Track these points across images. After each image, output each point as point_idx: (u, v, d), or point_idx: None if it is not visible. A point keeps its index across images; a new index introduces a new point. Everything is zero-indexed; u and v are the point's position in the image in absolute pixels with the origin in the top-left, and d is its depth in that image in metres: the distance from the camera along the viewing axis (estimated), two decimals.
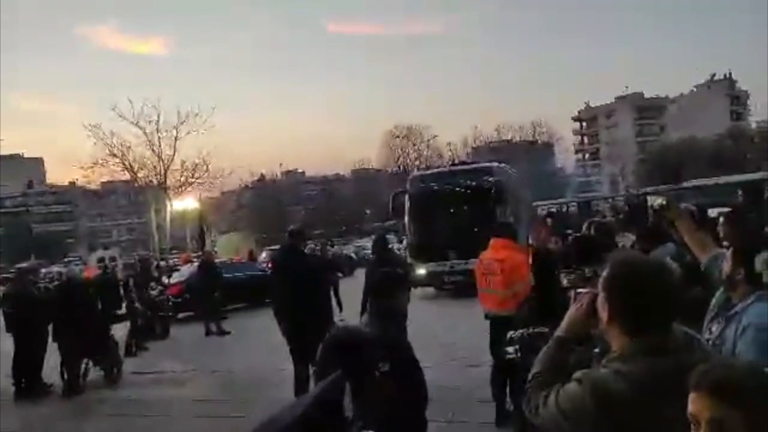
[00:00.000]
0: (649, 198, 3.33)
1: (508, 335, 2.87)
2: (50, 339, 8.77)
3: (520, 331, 2.76)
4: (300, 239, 6.72)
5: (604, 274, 1.77)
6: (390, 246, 9.16)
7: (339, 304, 10.94)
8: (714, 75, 76.68)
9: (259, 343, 11.02)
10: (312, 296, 6.12)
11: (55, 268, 36.74)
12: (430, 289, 15.04)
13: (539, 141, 63.84)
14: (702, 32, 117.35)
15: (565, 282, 2.38)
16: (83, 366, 8.65)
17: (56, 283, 11.08)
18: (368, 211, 58.99)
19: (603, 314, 1.74)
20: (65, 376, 8.52)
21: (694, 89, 77.28)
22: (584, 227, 4.64)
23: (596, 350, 2.15)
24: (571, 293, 2.05)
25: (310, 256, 7.34)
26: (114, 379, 8.88)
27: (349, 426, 0.98)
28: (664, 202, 3.17)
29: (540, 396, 1.77)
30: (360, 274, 24.61)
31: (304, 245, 6.88)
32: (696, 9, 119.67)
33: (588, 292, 1.92)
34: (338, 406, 0.99)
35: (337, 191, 69.04)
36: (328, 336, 1.88)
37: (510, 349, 2.76)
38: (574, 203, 32.16)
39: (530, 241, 9.29)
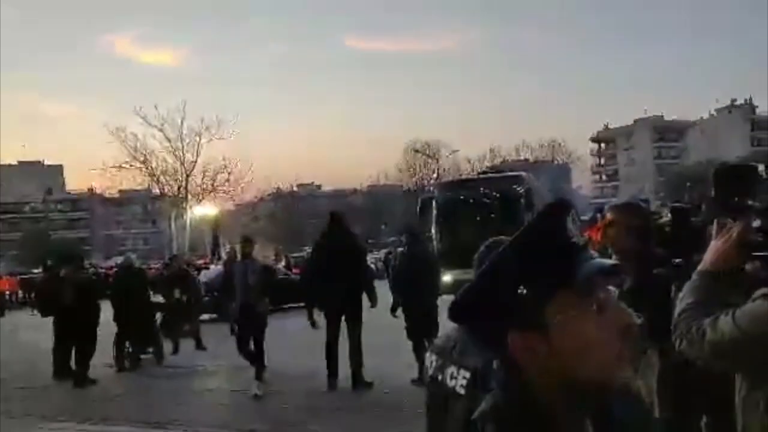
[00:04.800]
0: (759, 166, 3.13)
1: None
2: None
3: None
4: (341, 221, 7.48)
5: None
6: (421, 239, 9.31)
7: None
8: (735, 100, 76.38)
9: (285, 340, 11.11)
10: (354, 267, 6.96)
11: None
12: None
13: (557, 161, 63.66)
14: (723, 56, 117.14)
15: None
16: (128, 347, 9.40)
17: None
18: (384, 226, 58.95)
19: None
20: (128, 352, 9.32)
21: (714, 113, 76.95)
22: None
23: (689, 302, 2.02)
24: (713, 226, 1.91)
25: (351, 234, 7.86)
26: (158, 361, 9.57)
27: (579, 250, 0.82)
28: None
29: (703, 322, 1.67)
30: (379, 285, 24.75)
31: (345, 227, 7.63)
32: (718, 32, 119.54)
33: (738, 224, 1.81)
34: (562, 229, 0.83)
35: (353, 205, 69.09)
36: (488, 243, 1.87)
37: None
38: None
39: None
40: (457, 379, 1.44)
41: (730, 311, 1.64)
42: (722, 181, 1.93)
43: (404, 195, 54.46)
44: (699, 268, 1.84)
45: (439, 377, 1.52)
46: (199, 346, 10.75)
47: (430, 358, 1.58)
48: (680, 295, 1.85)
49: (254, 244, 8.50)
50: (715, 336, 1.63)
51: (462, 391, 1.40)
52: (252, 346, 7.39)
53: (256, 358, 7.32)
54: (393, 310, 7.33)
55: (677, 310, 1.81)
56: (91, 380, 8.39)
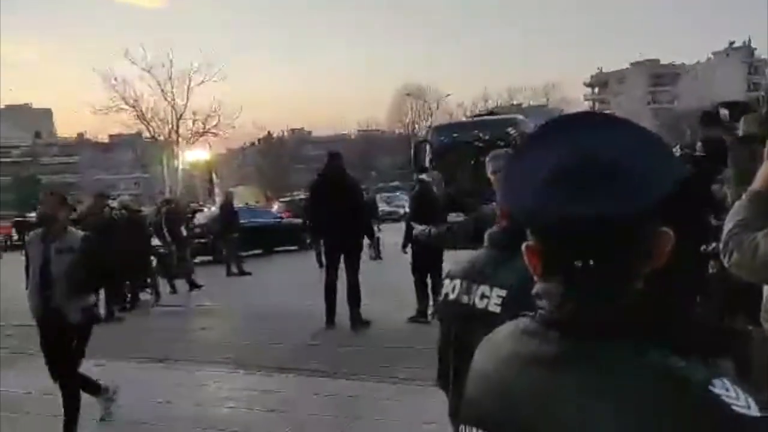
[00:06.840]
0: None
1: None
2: None
3: None
4: (339, 159, 7.45)
5: None
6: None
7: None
8: (733, 42, 75.10)
9: (280, 282, 11.32)
10: (353, 209, 7.00)
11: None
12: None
13: (549, 105, 63.05)
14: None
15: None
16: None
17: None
18: (374, 173, 58.62)
19: None
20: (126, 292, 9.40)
21: (711, 57, 75.77)
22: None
23: (740, 218, 2.04)
24: (765, 149, 1.91)
25: (349, 176, 7.73)
26: (156, 301, 9.82)
27: None
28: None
29: (756, 235, 1.71)
30: None
31: (342, 165, 7.56)
32: None
33: None
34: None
35: (343, 152, 68.37)
36: None
37: None
38: None
39: None
40: (490, 298, 1.44)
41: None
42: None
43: (395, 140, 53.99)
44: (750, 187, 1.87)
45: (464, 299, 1.51)
46: (192, 287, 10.87)
47: (453, 283, 1.57)
48: (730, 213, 1.88)
49: (64, 207, 4.39)
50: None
51: (497, 309, 1.41)
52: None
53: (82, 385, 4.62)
54: (404, 246, 7.80)
55: (726, 227, 1.83)
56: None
